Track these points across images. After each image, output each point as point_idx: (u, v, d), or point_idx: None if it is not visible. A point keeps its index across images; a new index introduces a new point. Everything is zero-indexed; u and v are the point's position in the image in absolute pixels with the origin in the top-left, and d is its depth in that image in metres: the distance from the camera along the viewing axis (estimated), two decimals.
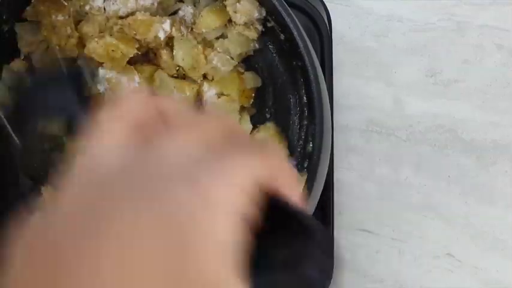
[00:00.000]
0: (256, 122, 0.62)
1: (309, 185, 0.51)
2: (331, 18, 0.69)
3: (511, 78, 0.73)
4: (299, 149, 0.60)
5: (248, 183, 0.23)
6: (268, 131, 0.61)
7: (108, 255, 0.22)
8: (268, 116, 0.64)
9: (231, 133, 0.26)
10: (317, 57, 0.55)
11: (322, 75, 0.54)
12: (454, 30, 0.75)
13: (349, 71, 0.74)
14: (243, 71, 0.62)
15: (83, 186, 0.25)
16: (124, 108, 0.27)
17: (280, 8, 0.54)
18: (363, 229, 0.70)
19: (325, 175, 0.54)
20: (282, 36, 0.58)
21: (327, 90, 0.56)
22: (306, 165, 0.59)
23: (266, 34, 0.61)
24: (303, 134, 0.60)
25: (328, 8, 0.69)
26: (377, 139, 0.72)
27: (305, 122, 0.61)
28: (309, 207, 0.52)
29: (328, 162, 0.56)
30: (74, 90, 0.51)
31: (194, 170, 0.23)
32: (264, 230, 0.24)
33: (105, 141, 0.26)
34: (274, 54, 0.63)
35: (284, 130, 0.63)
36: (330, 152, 0.56)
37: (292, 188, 0.25)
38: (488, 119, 0.72)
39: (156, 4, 0.62)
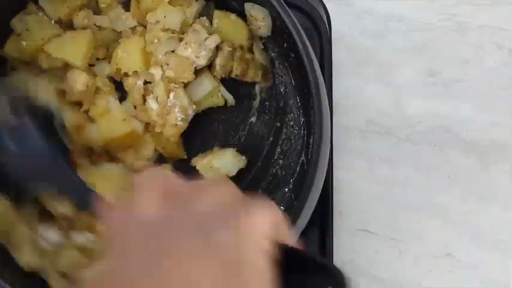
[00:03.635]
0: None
1: (309, 185, 0.51)
2: (331, 18, 0.69)
3: (511, 78, 0.73)
4: (299, 149, 0.60)
5: (268, 228, 0.30)
6: None
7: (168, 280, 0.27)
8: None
9: (236, 195, 0.33)
10: (316, 57, 0.55)
11: (322, 75, 0.54)
12: (454, 30, 0.75)
13: (348, 71, 0.73)
14: None
15: (134, 235, 0.31)
16: (151, 181, 0.34)
17: (279, 8, 0.54)
18: (363, 229, 0.69)
19: (325, 175, 0.54)
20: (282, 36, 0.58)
21: (327, 90, 0.56)
22: (306, 165, 0.59)
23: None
24: (302, 134, 0.60)
25: (328, 8, 0.69)
26: (377, 139, 0.72)
27: (304, 123, 0.61)
28: (308, 208, 0.52)
29: (328, 162, 0.56)
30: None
31: (224, 216, 0.30)
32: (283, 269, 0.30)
33: (144, 206, 0.32)
34: (273, 54, 0.64)
35: (283, 129, 0.63)
36: (329, 151, 0.56)
37: (291, 237, 0.32)
38: (488, 119, 0.72)
39: None
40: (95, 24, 0.63)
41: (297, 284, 0.31)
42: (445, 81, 0.73)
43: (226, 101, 0.64)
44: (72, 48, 0.60)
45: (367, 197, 0.70)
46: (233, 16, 0.62)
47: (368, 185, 0.71)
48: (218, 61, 0.62)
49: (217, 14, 0.63)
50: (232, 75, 0.64)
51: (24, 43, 0.60)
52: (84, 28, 0.62)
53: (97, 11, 0.64)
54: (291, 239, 0.32)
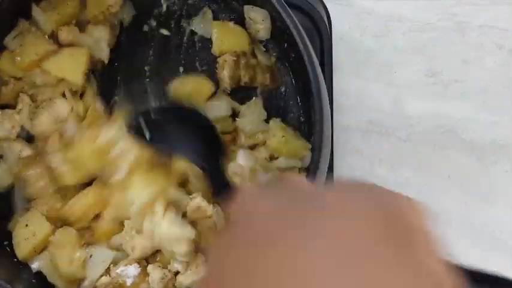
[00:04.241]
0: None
1: None
2: (331, 18, 0.69)
3: (511, 78, 0.73)
4: None
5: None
6: (256, 106, 0.62)
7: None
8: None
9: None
10: (317, 57, 0.55)
11: (322, 75, 0.54)
12: (454, 30, 0.75)
13: (349, 71, 0.74)
14: None
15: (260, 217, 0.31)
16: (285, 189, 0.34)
17: (280, 9, 0.54)
18: None
19: (325, 175, 0.54)
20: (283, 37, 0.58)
21: (327, 90, 0.56)
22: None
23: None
24: (303, 135, 0.60)
25: (328, 8, 0.69)
26: (377, 139, 0.72)
27: (305, 122, 0.61)
28: None
29: (328, 162, 0.56)
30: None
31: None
32: None
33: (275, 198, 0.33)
34: (274, 55, 0.64)
35: None
36: (329, 152, 0.56)
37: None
38: (488, 119, 0.72)
39: None
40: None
41: None
42: (445, 81, 0.73)
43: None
44: (71, 66, 0.59)
45: None
46: (231, 24, 0.62)
47: None
48: (225, 73, 0.61)
49: (215, 24, 0.63)
50: (242, 84, 0.62)
51: (19, 58, 0.59)
52: (69, 44, 0.61)
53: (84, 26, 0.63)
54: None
